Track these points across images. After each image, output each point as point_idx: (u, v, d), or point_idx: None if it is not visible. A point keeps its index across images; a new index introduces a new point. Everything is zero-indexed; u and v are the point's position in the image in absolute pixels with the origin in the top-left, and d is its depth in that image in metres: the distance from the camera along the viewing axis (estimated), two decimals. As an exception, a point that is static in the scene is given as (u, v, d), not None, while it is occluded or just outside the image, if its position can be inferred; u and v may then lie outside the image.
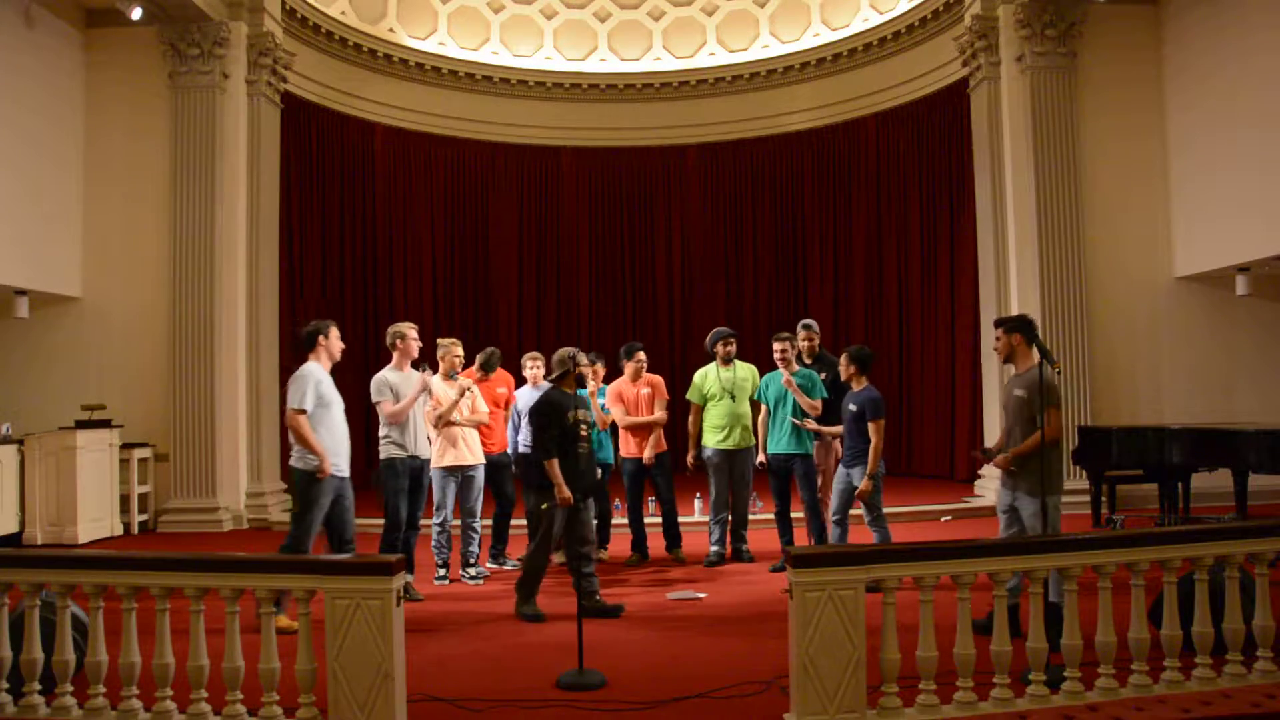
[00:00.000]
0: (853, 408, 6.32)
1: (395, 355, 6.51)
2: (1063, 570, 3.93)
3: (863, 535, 6.64)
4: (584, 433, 5.98)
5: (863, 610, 3.70)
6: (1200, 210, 9.76)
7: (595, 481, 6.22)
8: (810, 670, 3.64)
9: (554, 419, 5.85)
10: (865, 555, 3.83)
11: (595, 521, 7.63)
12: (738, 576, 6.98)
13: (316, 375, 5.73)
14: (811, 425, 6.95)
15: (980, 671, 3.83)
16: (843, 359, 6.46)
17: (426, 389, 6.52)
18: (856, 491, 6.30)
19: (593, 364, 7.51)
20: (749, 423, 7.44)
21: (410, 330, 6.56)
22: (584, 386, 6.21)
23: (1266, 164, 8.77)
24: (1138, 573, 4.00)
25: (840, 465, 6.56)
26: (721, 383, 7.43)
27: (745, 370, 7.54)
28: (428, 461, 6.56)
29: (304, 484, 5.64)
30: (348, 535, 5.88)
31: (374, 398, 6.34)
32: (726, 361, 7.52)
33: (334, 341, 5.89)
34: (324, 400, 5.69)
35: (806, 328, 7.39)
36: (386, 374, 6.41)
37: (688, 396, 7.66)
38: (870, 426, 6.21)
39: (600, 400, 7.51)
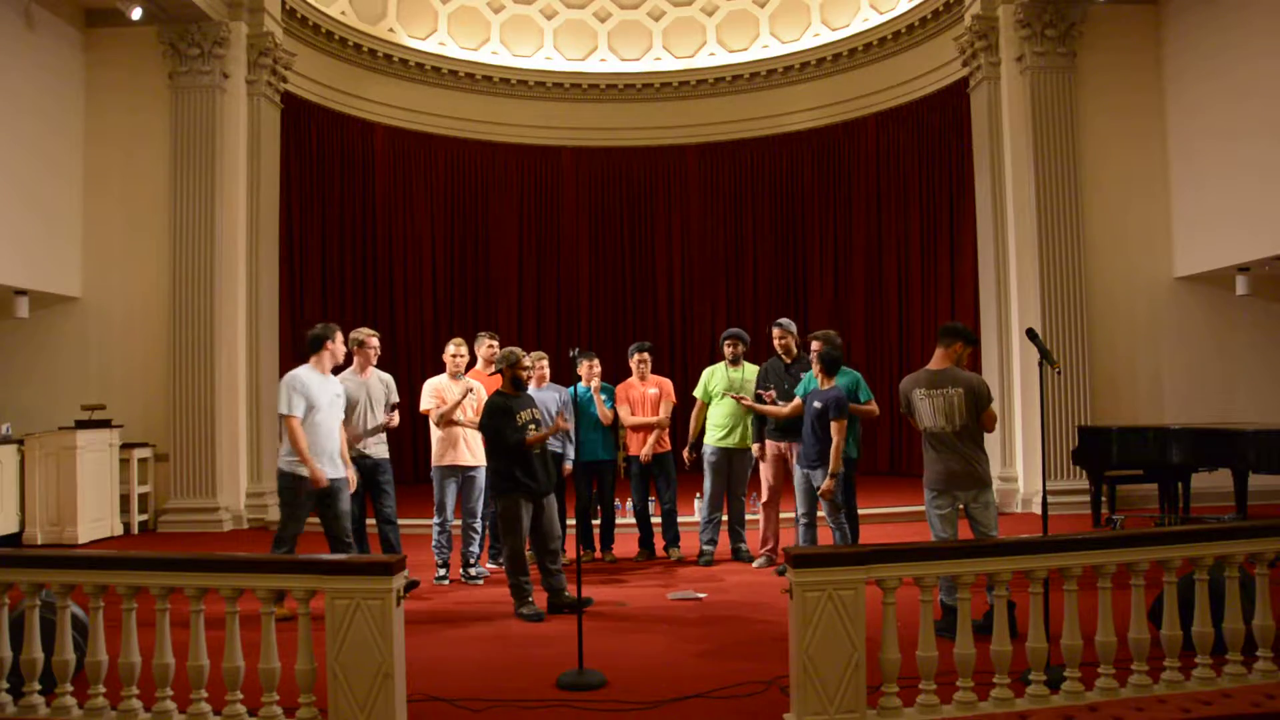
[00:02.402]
0: (817, 405, 6.31)
1: (355, 360, 6.60)
2: (1063, 570, 3.93)
3: (824, 536, 6.69)
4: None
5: (863, 610, 3.70)
6: (1200, 210, 9.76)
7: (555, 480, 6.28)
8: (810, 670, 3.64)
9: (506, 421, 5.94)
10: (865, 555, 3.83)
11: (598, 522, 7.70)
12: (738, 576, 6.98)
13: (299, 379, 5.85)
14: (748, 402, 7.04)
15: (980, 671, 3.83)
16: (813, 359, 6.48)
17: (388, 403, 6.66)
18: (820, 491, 6.29)
19: (590, 360, 7.55)
20: (750, 423, 7.44)
21: (371, 338, 6.63)
22: (524, 387, 6.26)
23: (1267, 163, 8.77)
24: (1138, 573, 4.00)
25: (799, 466, 6.54)
26: (729, 382, 7.44)
27: (753, 372, 7.52)
28: (382, 461, 6.59)
29: (284, 485, 5.84)
30: (342, 534, 5.97)
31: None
32: (735, 361, 7.53)
33: (339, 346, 6.09)
34: (311, 403, 5.81)
35: (780, 326, 7.34)
36: (343, 379, 6.48)
37: (694, 393, 7.69)
38: (833, 425, 6.23)
39: (602, 397, 7.53)
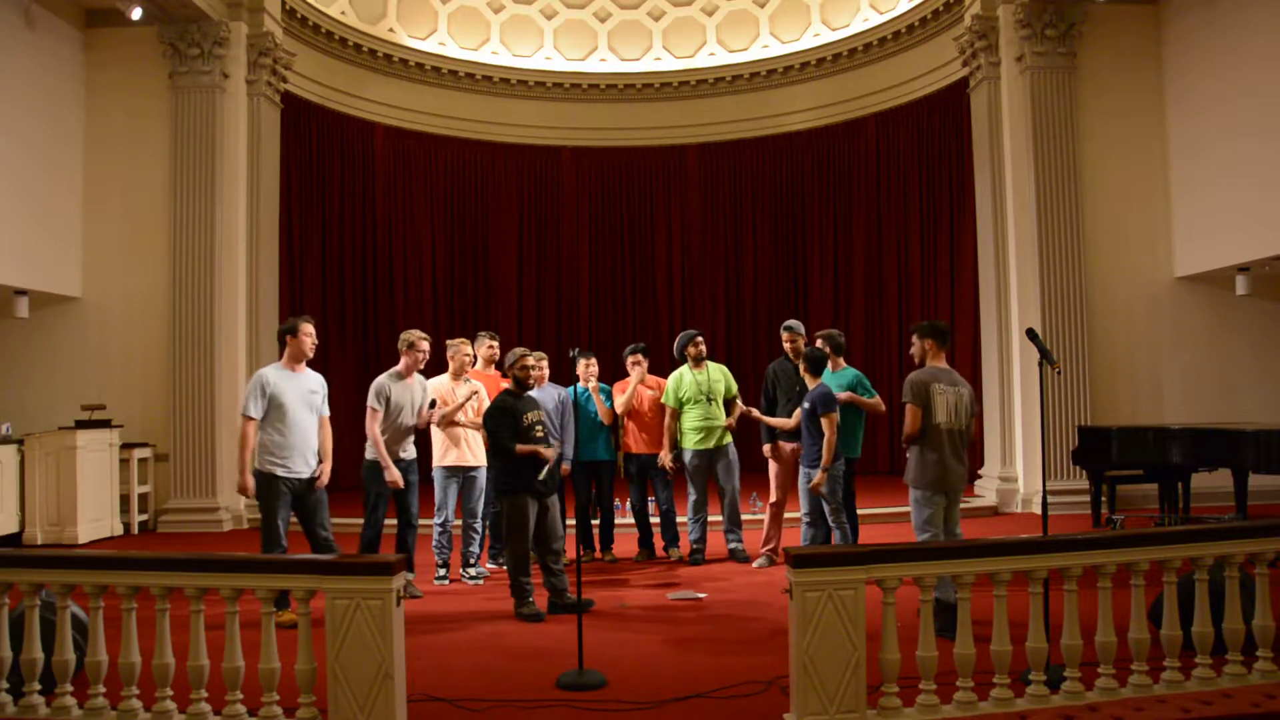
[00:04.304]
0: (806, 405, 6.36)
1: (401, 361, 6.56)
2: (1063, 570, 3.93)
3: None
4: (539, 434, 6.04)
5: (863, 610, 3.70)
6: (1200, 210, 9.76)
7: (558, 480, 6.27)
8: (810, 670, 3.64)
9: (506, 421, 5.95)
10: (865, 555, 3.83)
11: (597, 522, 7.70)
12: (738, 576, 6.98)
13: (265, 378, 5.73)
14: (756, 414, 7.11)
15: (980, 671, 3.83)
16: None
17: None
18: (810, 484, 6.33)
19: (588, 359, 7.53)
20: (723, 422, 7.45)
21: (421, 340, 6.59)
22: (528, 388, 6.25)
23: (1267, 164, 8.78)
24: (1138, 573, 4.00)
25: (801, 466, 6.57)
26: (697, 385, 7.44)
27: (717, 371, 7.58)
28: (411, 462, 6.59)
29: (259, 487, 5.72)
30: (321, 535, 5.87)
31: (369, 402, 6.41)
32: (698, 363, 7.53)
33: (302, 340, 5.86)
34: (275, 401, 5.68)
35: (789, 329, 7.35)
36: (386, 380, 6.47)
37: (662, 400, 7.65)
38: (823, 421, 6.24)
39: (600, 397, 7.54)
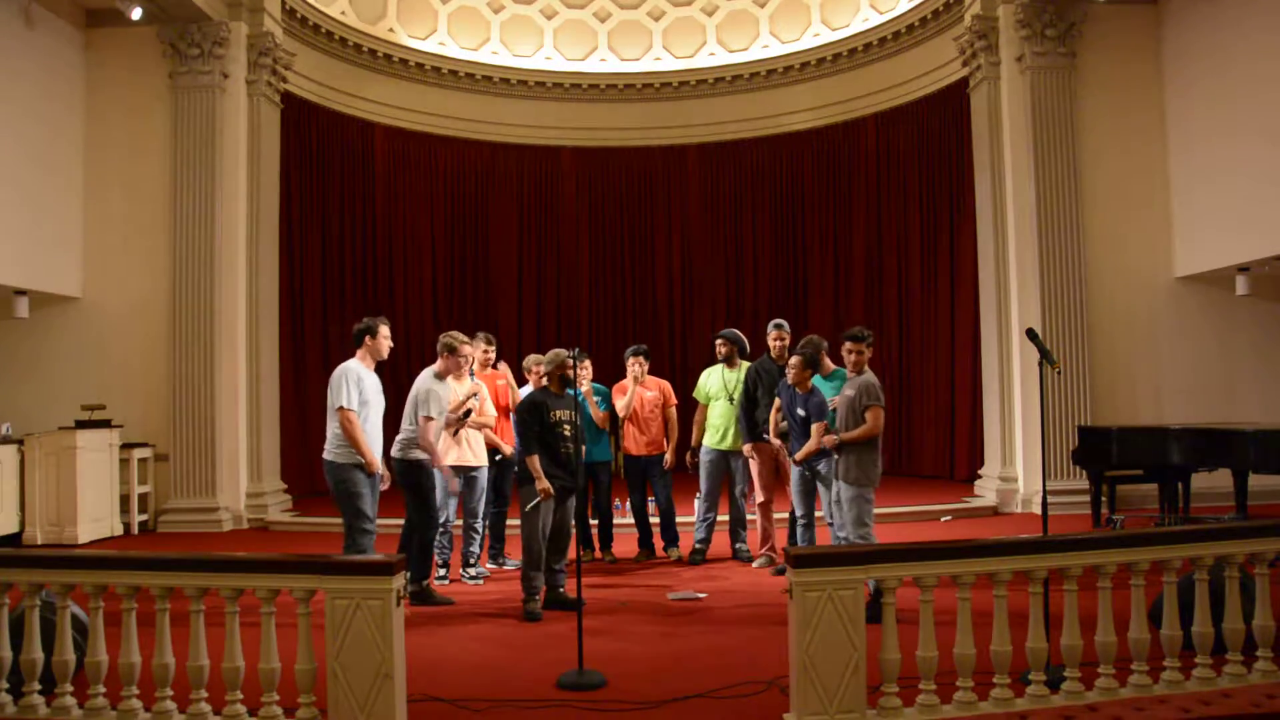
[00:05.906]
0: (801, 413, 6.36)
1: (441, 363, 6.51)
2: (1063, 570, 3.93)
3: (825, 536, 6.65)
4: (567, 433, 6.04)
5: (863, 610, 3.70)
6: (1200, 210, 9.75)
7: (579, 481, 6.28)
8: (810, 670, 3.64)
9: (535, 417, 6.00)
10: (865, 555, 3.84)
11: (596, 522, 7.70)
12: (738, 576, 6.99)
13: (358, 372, 5.85)
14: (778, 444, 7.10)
15: (980, 671, 3.83)
16: (794, 360, 6.45)
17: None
18: (795, 457, 6.38)
19: (581, 361, 7.53)
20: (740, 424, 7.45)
21: (464, 345, 6.56)
22: (572, 387, 6.23)
23: (1266, 164, 8.77)
24: (1138, 573, 4.00)
25: (795, 467, 6.54)
26: (724, 384, 7.46)
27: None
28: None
29: (342, 477, 5.76)
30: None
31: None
32: (729, 362, 7.54)
33: (380, 341, 6.01)
34: (362, 398, 5.81)
35: (778, 327, 7.35)
36: (435, 384, 6.44)
37: (694, 395, 7.73)
38: (813, 428, 6.23)
39: (595, 399, 7.54)
